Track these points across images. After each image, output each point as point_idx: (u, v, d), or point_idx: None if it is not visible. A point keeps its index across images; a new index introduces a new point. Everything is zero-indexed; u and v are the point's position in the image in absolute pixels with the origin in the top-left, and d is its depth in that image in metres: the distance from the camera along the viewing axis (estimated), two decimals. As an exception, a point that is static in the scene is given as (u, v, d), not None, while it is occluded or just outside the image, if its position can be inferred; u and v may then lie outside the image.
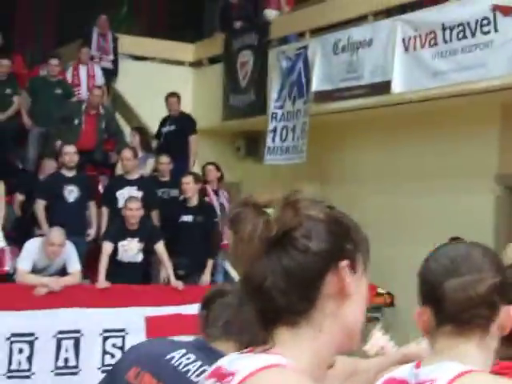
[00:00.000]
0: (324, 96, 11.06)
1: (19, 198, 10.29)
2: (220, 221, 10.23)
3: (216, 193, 10.88)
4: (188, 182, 9.84)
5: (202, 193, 10.56)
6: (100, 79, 12.51)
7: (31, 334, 8.32)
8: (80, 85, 12.22)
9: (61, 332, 8.33)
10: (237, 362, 1.59)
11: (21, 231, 9.97)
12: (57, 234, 8.76)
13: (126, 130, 12.59)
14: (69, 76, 12.38)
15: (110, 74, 12.96)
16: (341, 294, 1.58)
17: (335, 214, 1.66)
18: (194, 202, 9.93)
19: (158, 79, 12.88)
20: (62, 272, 8.86)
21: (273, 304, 1.57)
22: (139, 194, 10.01)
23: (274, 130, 11.65)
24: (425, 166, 10.72)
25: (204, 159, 12.59)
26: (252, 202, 1.62)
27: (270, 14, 12.33)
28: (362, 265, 1.66)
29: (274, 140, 11.67)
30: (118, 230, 9.30)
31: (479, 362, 1.98)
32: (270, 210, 1.63)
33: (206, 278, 9.54)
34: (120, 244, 9.18)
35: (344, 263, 1.58)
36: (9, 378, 8.16)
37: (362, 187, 11.62)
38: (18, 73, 12.32)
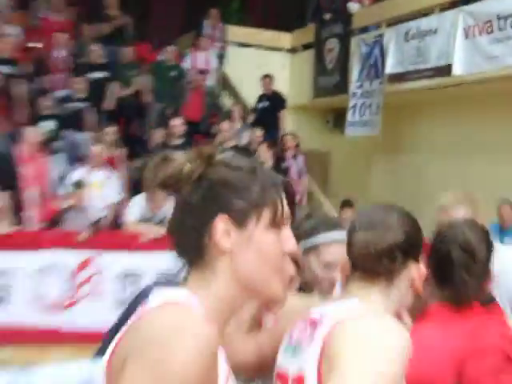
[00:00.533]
0: (396, 77, 11.70)
1: (137, 163, 10.89)
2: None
3: (294, 157, 11.68)
4: (263, 149, 10.84)
5: (282, 158, 11.55)
6: (214, 63, 13.40)
7: (138, 273, 8.93)
8: (195, 67, 12.98)
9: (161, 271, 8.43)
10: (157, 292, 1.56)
11: (137, 191, 10.45)
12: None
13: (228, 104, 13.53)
14: (188, 61, 13.19)
15: (221, 59, 13.78)
16: (217, 246, 1.53)
17: (241, 170, 1.58)
18: (267, 165, 10.56)
19: (260, 63, 13.64)
20: (164, 221, 9.17)
21: (176, 241, 1.61)
22: (232, 160, 11.16)
23: (354, 107, 12.33)
24: (484, 139, 11.00)
25: (298, 131, 13.65)
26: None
27: (353, 7, 13.05)
28: (268, 219, 1.56)
29: (353, 115, 12.35)
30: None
31: (379, 305, 2.01)
32: None
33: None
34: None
35: (219, 218, 1.52)
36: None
37: (429, 157, 12.12)
38: (143, 57, 13.24)
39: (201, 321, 1.43)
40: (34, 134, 9.84)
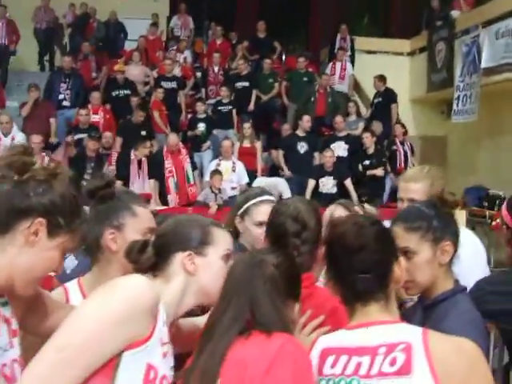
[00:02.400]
0: (489, 71, 11.09)
1: (274, 152, 11.16)
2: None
3: (402, 143, 11.23)
4: (367, 136, 10.52)
5: (392, 143, 11.16)
6: (350, 70, 13.22)
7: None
8: (334, 74, 12.96)
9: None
10: None
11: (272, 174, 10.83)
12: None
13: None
14: (328, 69, 13.04)
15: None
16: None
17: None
18: (371, 150, 10.52)
19: (384, 66, 13.11)
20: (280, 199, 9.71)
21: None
22: (346, 146, 10.93)
23: (458, 98, 11.72)
24: None
25: (417, 120, 13.40)
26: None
27: (455, 13, 12.45)
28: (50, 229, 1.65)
29: (457, 105, 11.73)
30: (318, 170, 10.06)
31: None
32: None
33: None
34: (320, 180, 9.98)
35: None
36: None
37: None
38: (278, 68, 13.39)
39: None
40: (174, 138, 10.07)
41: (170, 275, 1.83)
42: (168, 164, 9.79)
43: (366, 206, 3.32)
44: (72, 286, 2.20)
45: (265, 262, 1.85)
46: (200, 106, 11.50)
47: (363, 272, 1.77)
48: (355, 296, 1.79)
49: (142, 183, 9.44)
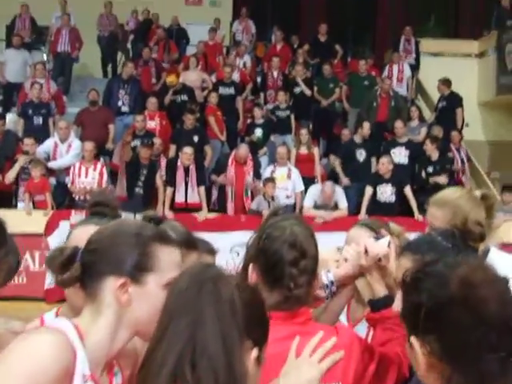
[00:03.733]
0: None
1: (333, 158, 10.70)
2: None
3: (458, 150, 10.86)
4: (429, 143, 10.05)
5: (447, 149, 10.67)
6: (407, 73, 12.77)
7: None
8: (391, 77, 12.46)
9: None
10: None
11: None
12: (329, 185, 9.48)
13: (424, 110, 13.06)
14: (385, 72, 12.71)
15: (413, 69, 13.18)
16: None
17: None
18: (435, 157, 10.05)
19: (450, 69, 12.63)
20: (335, 208, 9.35)
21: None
22: (407, 152, 10.47)
23: None
24: None
25: (485, 124, 12.77)
26: None
27: None
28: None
29: None
30: (376, 177, 9.63)
31: None
32: None
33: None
34: (378, 188, 9.51)
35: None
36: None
37: None
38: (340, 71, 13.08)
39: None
40: (244, 149, 9.85)
41: (101, 303, 1.55)
42: (230, 172, 9.55)
43: (392, 224, 2.92)
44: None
45: (223, 277, 1.38)
46: (257, 112, 11.25)
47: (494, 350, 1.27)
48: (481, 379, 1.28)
49: (190, 191, 9.22)
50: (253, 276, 1.88)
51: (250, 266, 1.91)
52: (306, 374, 1.78)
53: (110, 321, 1.55)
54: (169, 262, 1.60)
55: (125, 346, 1.58)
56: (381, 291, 2.14)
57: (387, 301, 2.10)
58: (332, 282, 2.16)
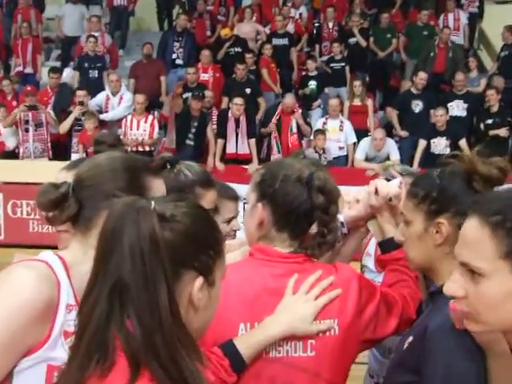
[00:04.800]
0: None
1: (389, 110, 10.45)
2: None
3: None
4: (492, 93, 9.68)
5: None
6: (464, 21, 12.26)
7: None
8: (447, 26, 11.85)
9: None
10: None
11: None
12: (379, 131, 9.36)
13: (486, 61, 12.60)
14: (440, 21, 12.23)
15: (476, 17, 12.71)
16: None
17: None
18: (494, 109, 9.70)
19: None
20: (387, 160, 8.63)
21: None
22: (465, 105, 10.08)
23: None
24: None
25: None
26: None
27: None
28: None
29: None
30: (430, 130, 9.34)
31: None
32: None
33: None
34: (432, 141, 9.29)
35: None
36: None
37: None
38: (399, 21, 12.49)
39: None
40: (290, 99, 9.75)
41: (94, 236, 1.48)
42: (273, 121, 9.49)
43: (406, 167, 2.83)
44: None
45: (145, 210, 1.19)
46: (311, 64, 11.08)
47: None
48: None
49: (241, 142, 9.19)
50: (261, 215, 1.82)
51: (259, 205, 1.84)
52: (301, 310, 1.76)
53: None
54: (159, 192, 1.62)
55: None
56: (391, 231, 2.08)
57: (397, 241, 2.03)
58: (342, 224, 2.10)
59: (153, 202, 1.20)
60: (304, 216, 1.82)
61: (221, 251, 1.26)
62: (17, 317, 1.41)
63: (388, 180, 2.18)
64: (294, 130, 9.62)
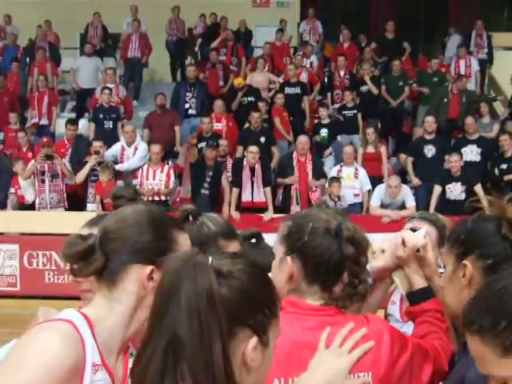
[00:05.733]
0: None
1: (402, 156, 10.71)
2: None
3: None
4: (505, 138, 9.72)
5: None
6: (475, 68, 12.42)
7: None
8: (459, 73, 12.12)
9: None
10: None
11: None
12: (394, 178, 9.34)
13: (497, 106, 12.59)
14: (452, 67, 12.47)
15: (486, 63, 12.90)
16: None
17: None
18: (508, 154, 9.72)
19: None
20: (402, 207, 9.20)
21: None
22: (478, 150, 10.12)
23: None
24: None
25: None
26: None
27: None
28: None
29: None
30: (445, 175, 9.37)
31: None
32: None
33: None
34: (447, 187, 9.30)
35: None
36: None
37: None
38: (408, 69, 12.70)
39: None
40: (303, 139, 9.91)
41: (120, 291, 1.55)
42: (295, 171, 9.57)
43: (439, 215, 2.85)
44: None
45: (202, 265, 1.20)
46: (322, 112, 11.20)
47: None
48: None
49: (256, 191, 9.24)
50: (291, 269, 1.82)
51: (288, 259, 1.86)
52: (335, 364, 1.75)
53: (129, 308, 1.56)
54: (186, 246, 1.62)
55: (140, 328, 1.56)
56: (419, 283, 2.08)
57: (426, 293, 2.05)
58: (368, 274, 2.10)
59: (210, 258, 1.21)
60: (334, 268, 1.82)
61: (276, 311, 1.26)
62: (44, 381, 1.38)
63: (413, 230, 2.18)
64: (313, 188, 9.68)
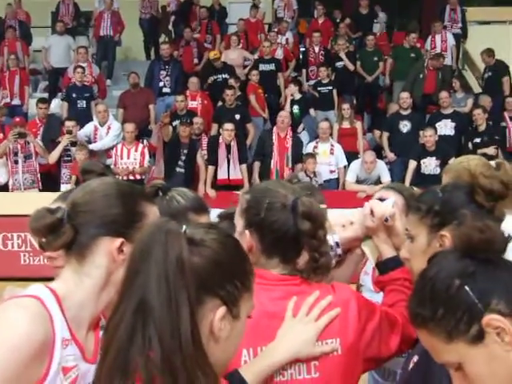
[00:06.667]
0: None
1: (377, 133, 10.75)
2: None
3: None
4: (479, 113, 9.83)
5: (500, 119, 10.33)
6: (451, 42, 12.42)
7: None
8: (435, 48, 12.16)
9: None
10: None
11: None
12: (369, 154, 9.42)
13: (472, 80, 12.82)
14: (427, 43, 12.41)
15: (460, 38, 12.87)
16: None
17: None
18: (482, 128, 9.83)
19: (498, 38, 12.34)
20: (378, 182, 9.09)
21: None
22: (452, 124, 10.17)
23: None
24: None
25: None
26: None
27: None
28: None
29: None
30: (420, 150, 9.41)
31: None
32: None
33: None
34: (422, 161, 9.34)
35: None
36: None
37: None
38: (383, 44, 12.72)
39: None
40: (284, 114, 9.87)
41: (89, 264, 1.53)
42: (274, 147, 9.55)
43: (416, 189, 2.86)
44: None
45: (174, 233, 1.19)
46: (293, 88, 11.15)
47: None
48: None
49: (232, 168, 9.23)
50: (250, 243, 1.82)
51: (246, 233, 1.85)
52: (303, 332, 1.77)
53: (98, 281, 1.54)
54: (154, 218, 1.60)
55: (111, 301, 1.55)
56: (388, 252, 2.10)
57: (395, 262, 2.07)
58: (337, 244, 2.13)
59: (184, 226, 1.20)
60: (292, 242, 1.83)
61: (249, 285, 1.25)
62: (12, 359, 1.37)
63: (381, 200, 2.21)
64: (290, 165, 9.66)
